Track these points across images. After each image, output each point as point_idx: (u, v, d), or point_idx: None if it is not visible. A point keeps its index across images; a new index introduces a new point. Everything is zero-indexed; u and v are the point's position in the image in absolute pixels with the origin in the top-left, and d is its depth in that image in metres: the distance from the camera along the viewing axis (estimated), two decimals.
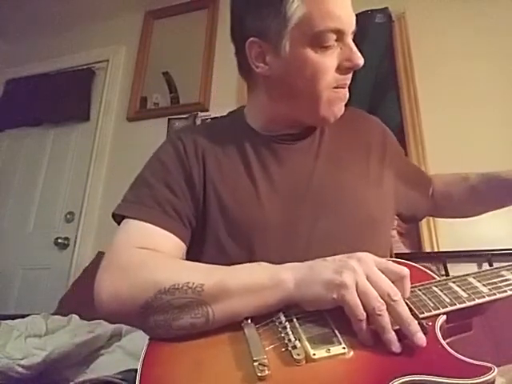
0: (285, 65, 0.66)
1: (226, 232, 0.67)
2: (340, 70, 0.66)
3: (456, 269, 1.44)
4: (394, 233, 1.69)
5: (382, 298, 0.46)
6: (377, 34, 1.93)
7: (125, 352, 1.19)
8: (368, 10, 1.97)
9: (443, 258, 1.52)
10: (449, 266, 1.50)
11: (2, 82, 2.76)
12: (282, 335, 0.49)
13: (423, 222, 1.62)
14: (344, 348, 0.47)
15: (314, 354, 0.46)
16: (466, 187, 0.84)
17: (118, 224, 0.67)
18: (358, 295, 0.47)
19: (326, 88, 0.66)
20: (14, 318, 1.30)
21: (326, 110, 0.68)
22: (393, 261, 0.61)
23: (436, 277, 0.59)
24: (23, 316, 1.33)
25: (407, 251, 1.64)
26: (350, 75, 0.69)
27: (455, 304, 0.51)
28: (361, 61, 0.66)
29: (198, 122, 2.15)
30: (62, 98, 2.52)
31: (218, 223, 0.68)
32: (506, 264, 0.59)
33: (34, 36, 2.78)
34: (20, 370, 1.10)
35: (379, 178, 0.75)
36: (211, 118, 2.04)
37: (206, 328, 0.52)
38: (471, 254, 1.49)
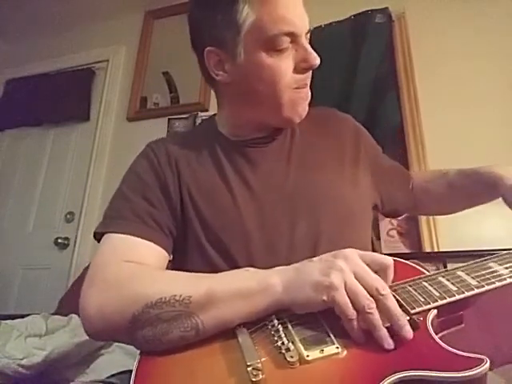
0: (242, 71, 0.67)
1: (206, 239, 0.68)
2: (297, 70, 0.67)
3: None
4: (394, 233, 1.69)
5: (370, 294, 0.47)
6: (377, 33, 1.93)
7: (125, 352, 1.20)
8: (368, 10, 1.97)
9: (443, 258, 1.52)
10: (449, 265, 1.49)
11: (2, 82, 2.76)
12: (275, 338, 0.49)
13: (423, 222, 1.62)
14: (337, 348, 0.47)
15: (308, 356, 0.46)
16: (443, 183, 0.85)
17: (99, 242, 0.66)
18: (348, 294, 0.47)
19: (285, 89, 0.67)
20: (13, 317, 1.30)
21: (289, 110, 0.70)
22: None
23: (426, 272, 0.59)
24: (23, 316, 1.33)
25: (407, 251, 1.64)
26: (309, 74, 0.70)
27: (445, 298, 0.51)
28: (317, 61, 0.67)
29: (198, 121, 2.15)
30: (62, 98, 2.52)
31: (197, 231, 0.68)
32: (494, 256, 0.59)
33: (34, 36, 2.77)
34: (20, 369, 1.10)
35: (354, 177, 0.76)
36: None
37: (197, 339, 0.52)
38: (471, 254, 1.49)
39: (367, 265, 0.50)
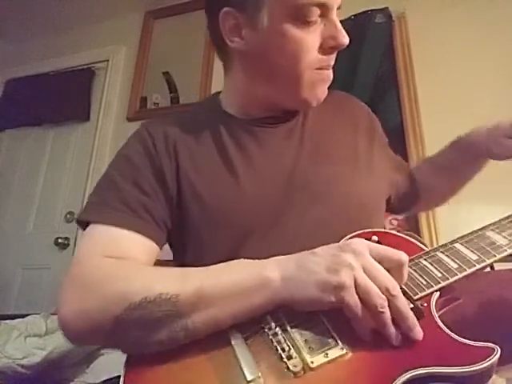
0: (262, 40, 0.60)
1: (207, 228, 0.62)
2: (323, 49, 0.61)
3: None
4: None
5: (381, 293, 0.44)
6: (377, 33, 1.93)
7: None
8: (368, 10, 1.97)
9: None
10: None
11: (2, 82, 2.76)
12: (275, 344, 0.45)
13: (423, 222, 1.62)
14: (342, 349, 0.44)
15: (312, 362, 0.43)
16: (427, 164, 0.87)
17: (84, 230, 0.61)
18: (358, 293, 0.44)
19: (307, 68, 0.61)
20: (13, 317, 1.30)
21: (307, 92, 0.63)
22: (374, 231, 0.61)
23: (423, 247, 0.57)
24: (23, 316, 1.33)
25: None
26: (334, 55, 0.63)
27: (448, 278, 0.50)
28: (346, 39, 0.60)
29: None
30: (62, 98, 2.52)
31: (197, 220, 0.62)
32: (491, 223, 0.58)
33: (34, 36, 2.77)
34: (20, 369, 1.10)
35: (369, 162, 0.71)
36: None
37: (188, 341, 0.47)
38: None
39: (378, 260, 0.46)
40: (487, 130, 0.72)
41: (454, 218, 1.52)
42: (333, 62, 0.64)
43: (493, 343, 0.42)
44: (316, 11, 0.57)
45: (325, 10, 0.58)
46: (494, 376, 0.52)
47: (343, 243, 0.49)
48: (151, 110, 2.33)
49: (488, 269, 1.58)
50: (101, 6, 2.56)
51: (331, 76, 0.65)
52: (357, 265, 0.45)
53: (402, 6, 1.97)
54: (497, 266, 1.63)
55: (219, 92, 0.76)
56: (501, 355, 0.41)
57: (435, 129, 1.75)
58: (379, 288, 0.43)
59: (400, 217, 1.71)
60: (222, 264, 0.51)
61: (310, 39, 0.59)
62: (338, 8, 0.61)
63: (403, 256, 0.47)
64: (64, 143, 2.50)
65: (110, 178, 0.64)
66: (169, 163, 0.64)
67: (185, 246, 0.65)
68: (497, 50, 1.79)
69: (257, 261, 0.51)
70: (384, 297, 0.43)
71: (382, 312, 0.43)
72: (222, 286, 0.48)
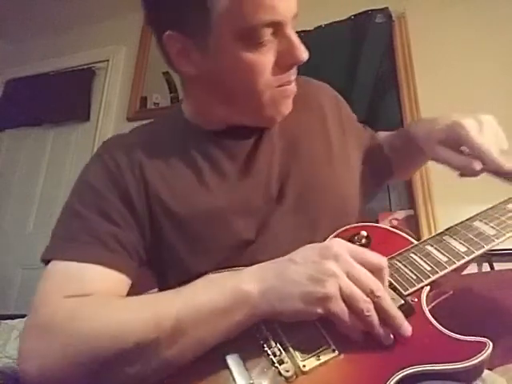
0: (214, 64, 0.56)
1: (188, 251, 0.58)
2: (280, 67, 0.56)
3: None
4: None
5: (365, 295, 0.43)
6: (377, 33, 1.93)
7: None
8: (368, 10, 1.97)
9: None
10: None
11: (2, 82, 2.76)
12: (266, 349, 0.45)
13: (423, 222, 1.62)
14: (334, 350, 0.44)
15: (304, 366, 0.43)
16: (387, 144, 0.80)
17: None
18: (344, 299, 0.43)
19: (266, 89, 0.57)
20: (13, 317, 1.30)
21: (270, 110, 0.60)
22: (363, 226, 0.60)
23: (412, 240, 0.57)
24: (23, 316, 1.33)
25: None
26: (295, 70, 0.58)
27: (437, 272, 0.50)
28: (304, 55, 0.55)
29: None
30: (62, 98, 2.52)
31: (174, 239, 0.58)
32: (479, 213, 0.58)
33: (34, 36, 2.77)
34: None
35: (344, 151, 0.69)
36: None
37: (174, 369, 0.45)
38: None
39: (359, 263, 0.45)
40: (426, 128, 0.64)
41: (453, 218, 1.51)
42: (294, 77, 0.59)
43: (484, 336, 0.42)
44: (267, 31, 0.52)
45: (278, 28, 0.53)
46: (494, 376, 0.52)
47: (323, 247, 0.47)
48: (151, 110, 2.33)
49: (488, 269, 1.59)
50: (101, 6, 2.56)
51: (295, 89, 0.61)
52: (340, 272, 0.44)
53: (402, 6, 1.97)
54: (497, 266, 1.63)
55: (181, 101, 0.71)
56: (498, 351, 0.41)
57: None
58: (363, 291, 0.43)
59: (400, 217, 1.71)
60: (194, 284, 0.48)
61: (264, 61, 0.54)
62: (294, 17, 0.55)
63: (382, 261, 0.46)
64: (64, 143, 2.50)
65: (74, 208, 0.58)
66: (135, 184, 0.59)
67: (165, 270, 0.62)
68: (497, 50, 1.79)
69: (229, 273, 0.49)
70: (369, 300, 0.43)
71: (369, 315, 0.43)
72: (199, 310, 0.45)
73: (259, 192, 0.61)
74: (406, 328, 0.44)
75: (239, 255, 0.58)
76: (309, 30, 2.02)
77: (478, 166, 0.54)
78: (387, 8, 1.96)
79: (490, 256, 1.45)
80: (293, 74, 0.59)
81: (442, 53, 1.87)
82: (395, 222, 1.71)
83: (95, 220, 0.56)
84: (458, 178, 0.60)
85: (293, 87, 0.60)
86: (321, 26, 2.02)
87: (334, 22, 2.02)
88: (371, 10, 1.97)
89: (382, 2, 1.97)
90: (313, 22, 2.03)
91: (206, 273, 0.54)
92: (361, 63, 1.89)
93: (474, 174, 0.56)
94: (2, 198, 2.50)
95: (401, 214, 1.72)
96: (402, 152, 0.76)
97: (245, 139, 0.65)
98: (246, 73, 0.55)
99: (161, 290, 0.63)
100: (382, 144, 0.80)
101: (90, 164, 0.63)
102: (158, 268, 0.63)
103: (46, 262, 0.55)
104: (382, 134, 0.83)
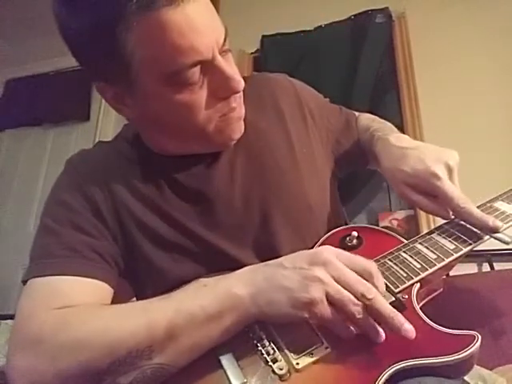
0: (149, 107, 0.55)
1: (166, 260, 0.59)
2: (218, 98, 0.55)
3: (455, 268, 1.44)
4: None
5: (356, 298, 0.43)
6: (377, 34, 1.93)
7: None
8: (368, 10, 1.97)
9: None
10: None
11: (2, 82, 2.76)
12: (259, 348, 0.45)
13: (423, 221, 1.62)
14: (327, 348, 0.45)
15: (298, 364, 0.43)
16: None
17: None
18: (332, 304, 0.43)
19: (208, 122, 0.55)
20: (13, 317, 1.30)
21: (219, 138, 0.59)
22: (354, 227, 0.62)
23: (402, 239, 0.58)
24: None
25: None
26: (237, 96, 0.57)
27: (427, 269, 0.51)
28: (239, 85, 0.54)
29: None
30: (62, 98, 2.52)
31: (151, 253, 0.59)
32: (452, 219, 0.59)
33: (34, 36, 2.77)
34: None
35: (308, 151, 0.68)
36: None
37: (170, 374, 0.45)
38: (471, 254, 1.48)
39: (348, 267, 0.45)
40: (391, 161, 0.62)
41: None
42: (238, 101, 0.57)
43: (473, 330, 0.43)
44: (195, 70, 0.50)
45: (205, 64, 0.51)
46: (494, 376, 0.52)
47: (312, 253, 0.47)
48: None
49: (488, 269, 1.59)
50: None
51: (242, 111, 0.59)
52: (327, 277, 0.44)
53: (402, 5, 1.97)
54: (497, 266, 1.63)
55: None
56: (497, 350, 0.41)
57: (435, 129, 1.75)
58: (354, 294, 0.43)
59: (400, 217, 1.72)
60: (185, 289, 0.49)
61: (197, 99, 0.53)
62: (224, 42, 0.53)
63: (371, 266, 0.46)
64: (64, 143, 2.50)
65: (47, 226, 0.58)
66: (103, 197, 0.59)
67: (142, 279, 0.62)
68: (497, 50, 1.79)
69: (220, 277, 0.49)
70: (359, 303, 0.43)
71: (360, 318, 0.43)
72: (192, 316, 0.45)
73: (223, 210, 0.61)
74: (407, 328, 0.43)
75: (217, 264, 0.58)
76: (309, 30, 2.03)
77: (451, 215, 0.57)
78: (387, 8, 1.96)
79: (490, 256, 1.45)
80: (234, 100, 0.57)
81: (441, 53, 1.87)
82: (395, 222, 1.71)
83: (70, 233, 0.56)
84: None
85: (238, 112, 0.58)
86: (321, 26, 2.02)
87: (334, 22, 2.02)
88: (371, 10, 1.97)
89: (382, 2, 1.98)
90: (313, 22, 2.03)
91: (188, 279, 0.55)
92: (361, 63, 1.89)
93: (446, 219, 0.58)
94: (2, 197, 2.50)
95: (401, 214, 1.73)
96: (366, 158, 0.75)
97: (200, 163, 0.63)
98: (182, 112, 0.54)
99: (138, 299, 0.63)
100: (360, 131, 0.77)
101: (59, 181, 0.63)
102: (135, 277, 0.63)
103: (25, 282, 0.54)
104: (365, 121, 0.79)
